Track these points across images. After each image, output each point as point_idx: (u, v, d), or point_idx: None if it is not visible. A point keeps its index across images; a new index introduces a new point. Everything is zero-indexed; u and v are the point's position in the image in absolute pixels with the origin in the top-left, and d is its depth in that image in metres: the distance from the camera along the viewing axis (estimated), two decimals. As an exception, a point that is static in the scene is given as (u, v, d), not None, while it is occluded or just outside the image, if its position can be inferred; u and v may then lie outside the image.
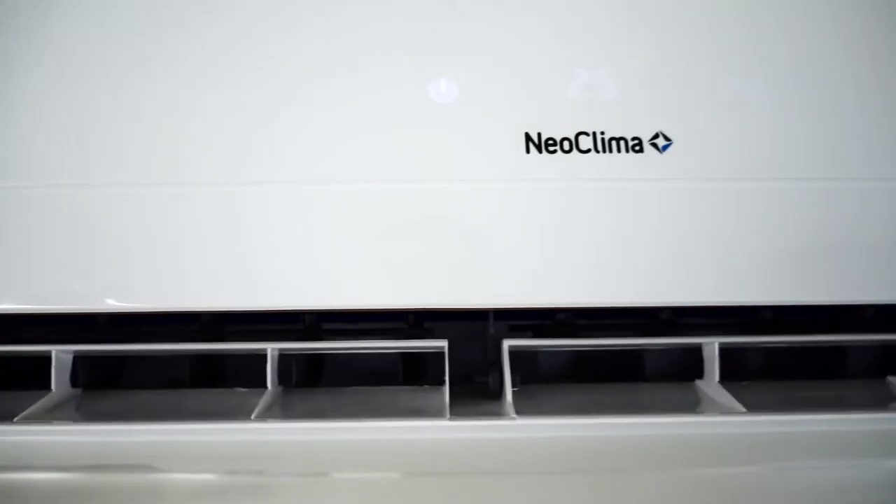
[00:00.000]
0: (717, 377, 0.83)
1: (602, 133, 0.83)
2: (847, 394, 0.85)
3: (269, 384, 0.84)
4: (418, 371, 0.89)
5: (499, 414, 0.80)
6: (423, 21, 0.88)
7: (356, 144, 0.84)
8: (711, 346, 0.83)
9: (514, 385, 0.82)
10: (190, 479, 0.78)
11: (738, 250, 0.82)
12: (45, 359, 0.83)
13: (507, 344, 0.82)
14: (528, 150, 0.83)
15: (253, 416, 0.78)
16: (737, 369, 0.86)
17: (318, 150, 0.84)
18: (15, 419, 0.78)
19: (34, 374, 0.84)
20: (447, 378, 0.82)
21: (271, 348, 0.84)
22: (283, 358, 0.86)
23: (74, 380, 0.87)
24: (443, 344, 0.82)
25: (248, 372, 0.86)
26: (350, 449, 0.78)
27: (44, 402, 0.82)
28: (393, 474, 0.77)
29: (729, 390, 0.82)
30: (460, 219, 0.83)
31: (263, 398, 0.81)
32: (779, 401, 0.83)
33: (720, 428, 0.77)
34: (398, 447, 0.77)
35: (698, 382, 0.86)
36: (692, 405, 0.83)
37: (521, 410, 0.78)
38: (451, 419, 0.77)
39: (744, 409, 0.77)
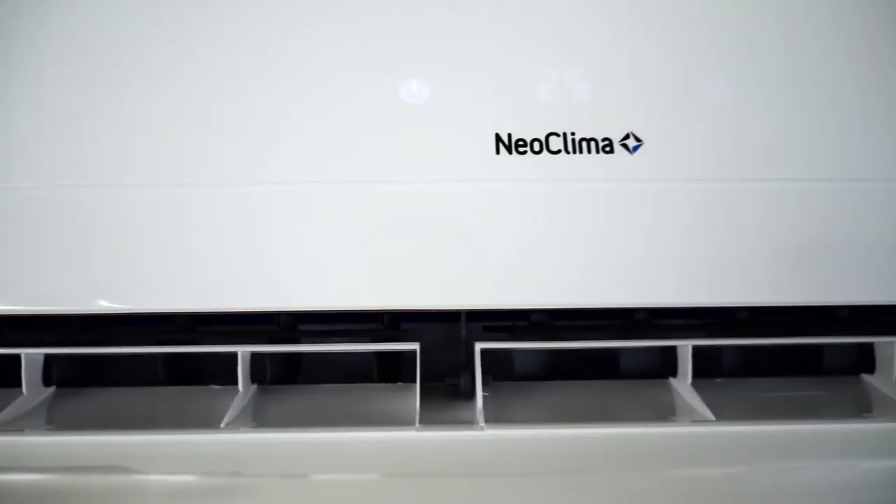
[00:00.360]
0: (689, 379, 0.83)
1: (573, 134, 0.82)
2: (821, 394, 0.85)
3: (240, 386, 0.83)
4: (394, 368, 0.89)
5: (469, 418, 0.80)
6: (393, 23, 0.86)
7: (325, 147, 0.83)
8: (685, 348, 0.83)
9: (485, 385, 0.83)
10: (167, 480, 0.78)
11: (709, 251, 0.81)
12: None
13: (479, 347, 0.81)
14: (497, 151, 0.81)
15: (223, 425, 0.78)
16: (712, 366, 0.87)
17: (288, 153, 0.83)
18: None
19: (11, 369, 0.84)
20: (418, 381, 0.81)
21: (241, 351, 0.83)
22: (258, 356, 0.85)
23: (48, 378, 0.87)
24: (414, 347, 0.82)
25: (225, 368, 0.85)
26: (326, 451, 0.78)
27: (15, 405, 0.82)
28: (371, 476, 0.78)
29: (702, 391, 0.82)
30: (430, 220, 0.82)
31: (234, 402, 0.81)
32: (751, 403, 0.83)
33: (690, 435, 0.77)
34: (373, 449, 0.78)
35: (672, 381, 0.86)
36: (664, 409, 0.83)
37: (492, 415, 0.78)
38: (419, 429, 0.77)
39: (713, 418, 0.77)
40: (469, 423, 0.79)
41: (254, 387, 0.87)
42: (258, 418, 0.82)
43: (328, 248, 0.82)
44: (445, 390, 0.86)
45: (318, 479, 0.78)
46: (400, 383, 0.88)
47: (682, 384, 0.84)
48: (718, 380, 0.87)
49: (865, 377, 0.87)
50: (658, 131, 0.81)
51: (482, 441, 0.76)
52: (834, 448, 0.77)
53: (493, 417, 0.78)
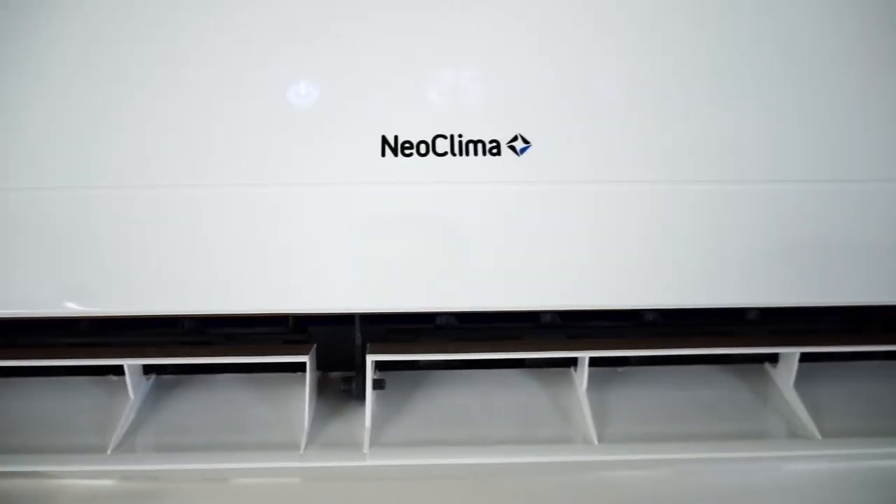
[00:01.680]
0: (584, 386, 0.82)
1: (460, 136, 0.77)
2: (717, 392, 0.84)
3: (130, 394, 0.82)
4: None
5: (359, 428, 0.80)
6: (279, 25, 0.81)
7: (212, 150, 0.78)
8: (583, 359, 0.82)
9: (382, 384, 0.82)
10: (83, 484, 0.78)
11: (596, 252, 0.77)
12: None
13: (370, 359, 0.79)
14: (383, 154, 0.77)
15: (109, 451, 0.78)
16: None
17: (177, 155, 0.78)
18: None
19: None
20: (307, 399, 0.80)
21: (128, 364, 0.81)
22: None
23: None
24: (304, 359, 0.80)
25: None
26: (210, 476, 0.78)
27: None
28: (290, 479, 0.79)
29: (597, 392, 0.82)
30: (317, 223, 0.77)
31: (122, 416, 0.80)
32: (642, 408, 0.82)
33: (572, 464, 0.77)
34: (256, 475, 0.79)
35: (574, 374, 0.86)
36: (561, 412, 0.82)
37: (381, 429, 0.80)
38: (303, 457, 0.77)
39: (596, 442, 0.77)
40: (356, 442, 0.79)
41: (150, 380, 0.86)
42: (148, 428, 0.82)
43: (226, 251, 0.77)
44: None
45: (244, 479, 0.78)
46: (300, 373, 0.86)
47: (581, 388, 0.83)
48: (620, 370, 0.87)
49: (769, 368, 0.87)
50: (546, 133, 0.77)
51: (364, 470, 0.76)
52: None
53: (382, 434, 0.79)
